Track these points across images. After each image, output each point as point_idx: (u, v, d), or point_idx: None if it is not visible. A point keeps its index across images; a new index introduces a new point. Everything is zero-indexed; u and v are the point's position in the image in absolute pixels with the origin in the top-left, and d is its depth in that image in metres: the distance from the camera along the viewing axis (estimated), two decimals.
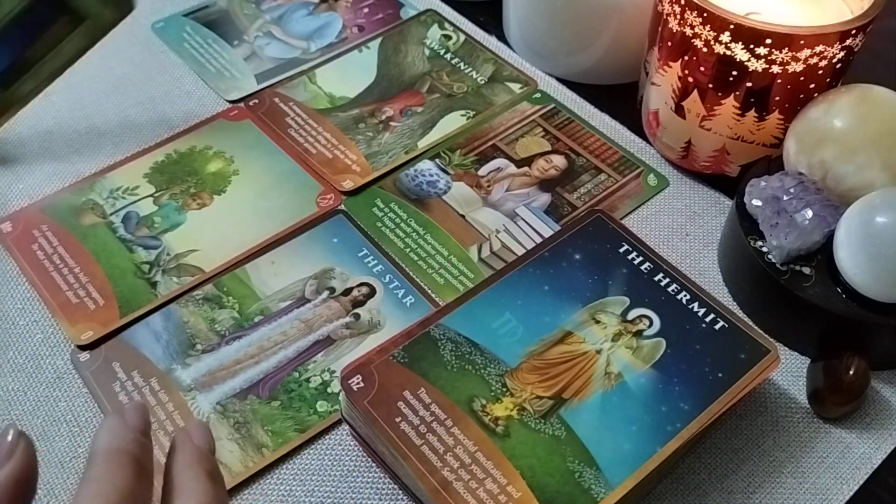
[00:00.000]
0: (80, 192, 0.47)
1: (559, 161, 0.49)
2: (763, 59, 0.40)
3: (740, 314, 0.41)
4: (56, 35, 0.36)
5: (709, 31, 0.41)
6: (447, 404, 0.34)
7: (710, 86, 0.43)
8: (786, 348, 0.40)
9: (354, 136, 0.50)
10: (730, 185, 0.46)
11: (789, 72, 0.41)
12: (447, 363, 0.35)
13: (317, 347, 0.40)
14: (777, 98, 0.42)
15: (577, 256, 0.39)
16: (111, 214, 0.46)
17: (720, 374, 0.35)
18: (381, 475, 0.36)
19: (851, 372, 0.37)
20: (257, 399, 0.39)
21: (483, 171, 0.48)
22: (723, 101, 0.43)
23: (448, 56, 0.55)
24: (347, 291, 0.43)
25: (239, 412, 0.38)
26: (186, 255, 0.44)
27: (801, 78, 0.41)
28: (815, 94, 0.42)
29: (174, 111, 0.52)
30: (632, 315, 0.37)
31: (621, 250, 0.39)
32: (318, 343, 0.41)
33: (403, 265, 0.44)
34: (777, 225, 0.39)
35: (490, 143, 0.50)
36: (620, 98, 0.52)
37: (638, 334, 0.37)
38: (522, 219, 0.46)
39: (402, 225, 0.46)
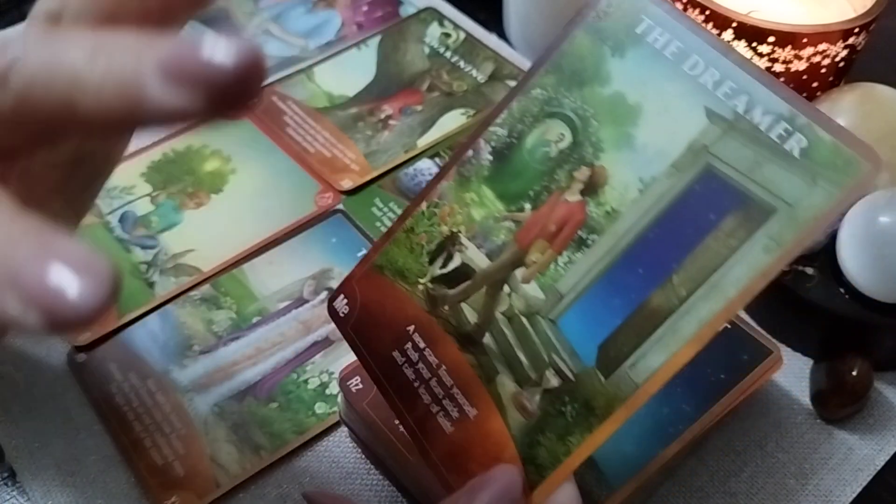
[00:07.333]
0: None
1: None
2: (766, 58, 0.40)
3: (742, 315, 0.41)
4: None
5: (711, 28, 0.40)
6: None
7: None
8: (788, 349, 0.40)
9: (353, 135, 0.50)
10: None
11: (792, 70, 0.40)
12: None
13: (315, 348, 0.40)
14: None
15: None
16: (108, 214, 0.46)
17: (722, 376, 0.35)
18: (381, 478, 0.36)
19: (854, 373, 0.37)
20: (255, 401, 0.38)
21: None
22: None
23: (448, 54, 0.55)
24: None
25: (236, 414, 0.38)
26: (184, 255, 0.44)
27: (804, 76, 0.41)
28: (818, 93, 0.42)
29: None
30: None
31: None
32: (316, 344, 0.40)
33: None
34: None
35: None
36: None
37: None
38: None
39: None
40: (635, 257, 0.25)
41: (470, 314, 0.27)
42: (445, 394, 0.27)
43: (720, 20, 0.40)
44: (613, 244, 0.25)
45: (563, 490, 0.25)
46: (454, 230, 0.28)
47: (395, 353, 0.28)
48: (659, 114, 0.26)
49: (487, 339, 0.27)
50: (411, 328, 0.28)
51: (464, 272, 0.28)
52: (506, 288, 0.27)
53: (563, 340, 0.25)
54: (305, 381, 0.39)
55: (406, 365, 0.28)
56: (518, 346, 0.26)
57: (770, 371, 0.35)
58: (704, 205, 0.24)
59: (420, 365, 0.28)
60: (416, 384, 0.28)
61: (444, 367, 0.27)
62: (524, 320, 0.26)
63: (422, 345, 0.28)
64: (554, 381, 0.25)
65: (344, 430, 0.37)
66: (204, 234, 0.45)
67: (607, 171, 0.26)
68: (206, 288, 0.42)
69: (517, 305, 0.26)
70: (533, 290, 0.26)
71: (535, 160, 0.27)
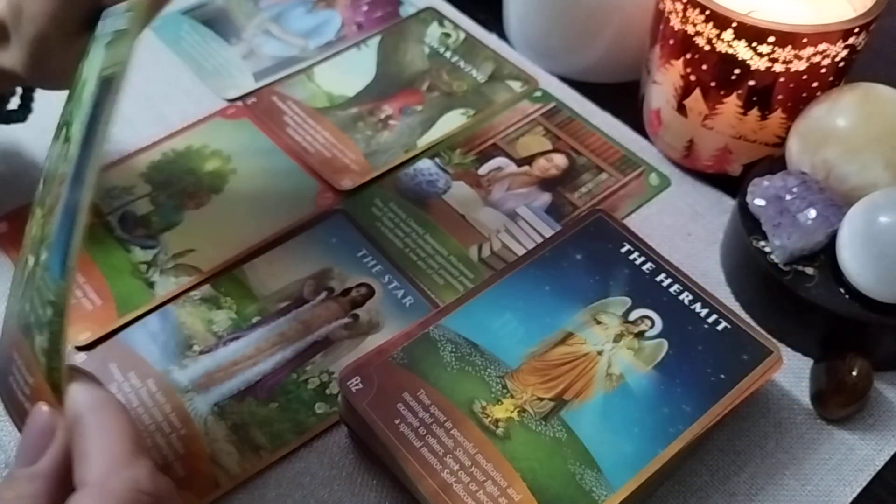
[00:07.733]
0: None
1: (560, 160, 0.49)
2: (766, 58, 0.40)
3: (743, 315, 0.41)
4: None
5: (711, 28, 0.40)
6: (447, 406, 0.34)
7: (713, 84, 0.43)
8: (788, 349, 0.40)
9: (353, 135, 0.50)
10: (732, 185, 0.46)
11: (792, 70, 0.40)
12: (447, 364, 0.35)
13: (315, 348, 0.40)
14: (780, 97, 0.42)
15: (578, 257, 0.39)
16: (108, 214, 0.46)
17: (722, 376, 0.35)
18: (381, 477, 0.36)
19: (854, 373, 0.37)
20: (255, 401, 0.38)
21: (483, 170, 0.48)
22: (725, 100, 0.43)
23: (448, 54, 0.55)
24: (346, 292, 0.42)
25: (236, 414, 0.38)
26: (184, 255, 0.44)
27: (804, 76, 0.41)
28: (818, 93, 0.42)
29: (171, 110, 0.52)
30: (633, 316, 0.37)
31: (623, 250, 0.39)
32: (316, 344, 0.40)
33: (403, 265, 0.44)
34: (780, 225, 0.39)
35: (490, 142, 0.50)
36: (622, 97, 0.52)
37: (639, 335, 0.36)
38: (523, 218, 0.46)
39: (402, 225, 0.45)
40: (74, 173, 0.29)
41: (20, 305, 0.31)
42: (24, 381, 0.30)
43: (720, 20, 0.40)
44: (67, 177, 0.30)
45: (78, 389, 0.28)
46: (28, 255, 0.32)
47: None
48: (88, 72, 0.32)
49: (26, 316, 0.30)
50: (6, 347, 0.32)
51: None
52: (32, 266, 0.31)
53: (46, 278, 0.29)
54: (305, 381, 0.39)
55: (6, 375, 0.31)
56: (29, 307, 0.30)
57: (770, 371, 0.35)
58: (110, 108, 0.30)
59: (11, 369, 0.31)
60: (13, 386, 0.30)
61: (19, 361, 0.30)
62: (33, 283, 0.30)
63: (11, 354, 0.31)
64: (49, 312, 0.29)
65: (344, 429, 0.37)
66: (204, 234, 0.45)
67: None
68: (206, 288, 0.42)
69: (36, 274, 0.30)
70: (43, 255, 0.30)
71: (52, 164, 0.32)
